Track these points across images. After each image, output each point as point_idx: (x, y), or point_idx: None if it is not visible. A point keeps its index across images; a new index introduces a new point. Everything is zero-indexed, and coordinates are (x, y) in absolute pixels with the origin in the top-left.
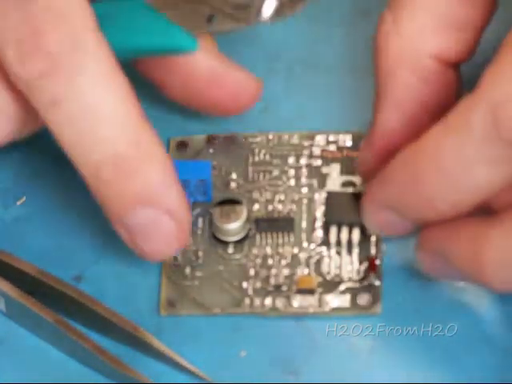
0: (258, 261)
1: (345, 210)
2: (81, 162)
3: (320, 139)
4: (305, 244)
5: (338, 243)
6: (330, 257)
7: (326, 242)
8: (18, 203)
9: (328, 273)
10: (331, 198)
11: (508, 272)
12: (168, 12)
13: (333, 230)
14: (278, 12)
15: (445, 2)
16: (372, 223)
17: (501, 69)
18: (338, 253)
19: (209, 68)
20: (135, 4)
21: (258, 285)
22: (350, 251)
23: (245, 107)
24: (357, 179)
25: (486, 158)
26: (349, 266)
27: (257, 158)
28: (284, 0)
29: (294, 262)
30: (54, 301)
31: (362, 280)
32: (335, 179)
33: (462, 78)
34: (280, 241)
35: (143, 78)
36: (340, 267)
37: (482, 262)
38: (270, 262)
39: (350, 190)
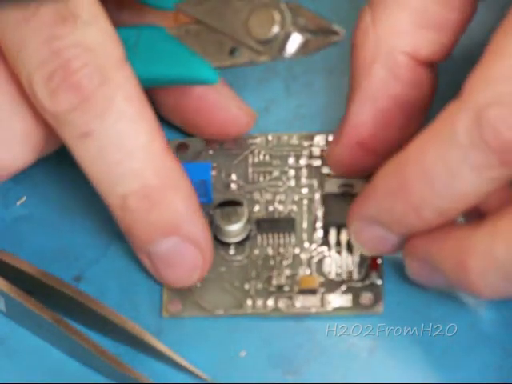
0: (260, 262)
1: (343, 211)
2: (108, 192)
3: (319, 139)
4: (306, 244)
5: (338, 244)
6: (331, 256)
7: (326, 242)
8: (18, 203)
9: (330, 272)
10: (329, 200)
11: (493, 277)
12: (189, 42)
13: (332, 232)
14: (303, 49)
15: (422, 2)
16: (360, 241)
17: (484, 74)
18: (340, 252)
19: (201, 93)
20: (156, 32)
21: (260, 286)
22: (351, 250)
23: (233, 136)
24: (354, 180)
25: (472, 165)
26: (350, 265)
27: (256, 159)
28: (309, 37)
29: (296, 262)
30: (54, 301)
31: (363, 279)
32: (332, 181)
33: (437, 78)
34: (281, 241)
35: None
36: (341, 267)
37: (466, 268)
38: (272, 262)
39: (348, 191)
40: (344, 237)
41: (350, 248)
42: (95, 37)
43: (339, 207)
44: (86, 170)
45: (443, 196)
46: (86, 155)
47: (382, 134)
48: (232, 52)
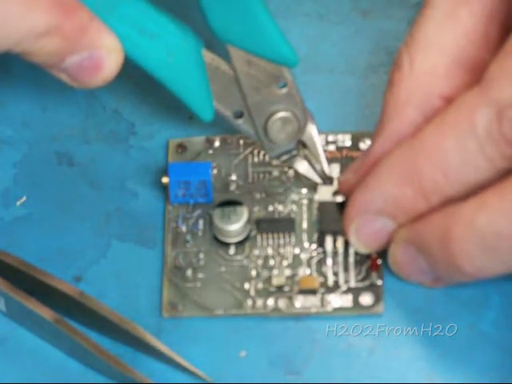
0: (260, 262)
1: (338, 218)
2: None
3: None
4: (306, 244)
5: (335, 252)
6: (331, 257)
7: (323, 250)
8: (18, 203)
9: (330, 273)
10: (323, 208)
11: (473, 248)
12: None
13: (328, 240)
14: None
15: (459, 44)
16: (361, 238)
17: (508, 67)
18: (340, 253)
19: None
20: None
21: (260, 286)
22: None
23: None
24: None
25: (486, 156)
26: (350, 265)
27: (256, 159)
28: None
29: (296, 262)
30: (54, 301)
31: (363, 279)
32: (325, 189)
33: None
34: (281, 241)
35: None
36: (342, 267)
37: (450, 238)
38: (272, 262)
39: (341, 198)
40: (340, 243)
41: (348, 250)
42: None
43: (334, 215)
44: None
45: (455, 183)
46: None
47: None
48: (238, 115)
